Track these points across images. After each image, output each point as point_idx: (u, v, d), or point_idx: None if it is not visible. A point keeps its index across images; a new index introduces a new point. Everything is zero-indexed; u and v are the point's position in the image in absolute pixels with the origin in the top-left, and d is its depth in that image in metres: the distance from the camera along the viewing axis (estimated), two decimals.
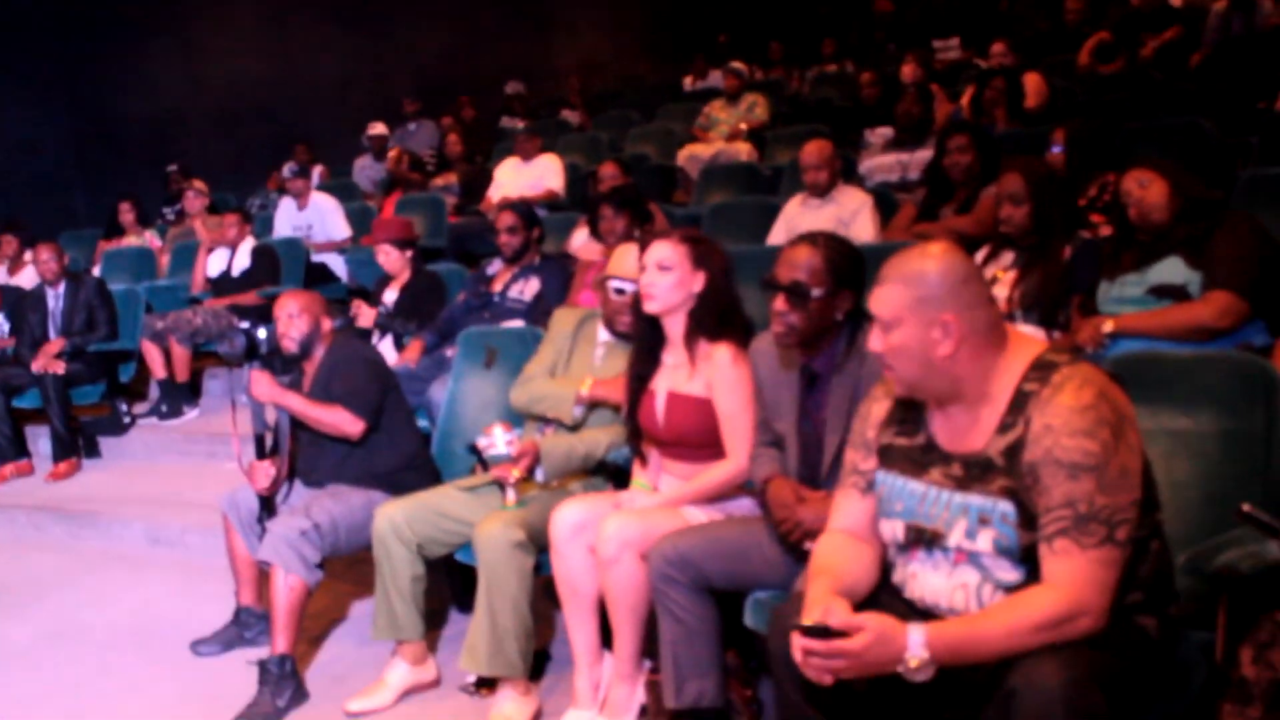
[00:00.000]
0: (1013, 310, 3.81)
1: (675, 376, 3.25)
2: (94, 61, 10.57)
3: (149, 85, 10.93)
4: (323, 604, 4.24)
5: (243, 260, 7.11)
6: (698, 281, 3.19)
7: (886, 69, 8.66)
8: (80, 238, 9.27)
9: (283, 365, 4.08)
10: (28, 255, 7.82)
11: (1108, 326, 3.46)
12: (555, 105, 12.16)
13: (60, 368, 6.17)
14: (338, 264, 7.79)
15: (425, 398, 4.76)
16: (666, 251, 3.19)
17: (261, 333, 4.01)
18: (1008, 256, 3.96)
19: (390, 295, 5.63)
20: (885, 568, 2.36)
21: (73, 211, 10.26)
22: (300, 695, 3.62)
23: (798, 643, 2.02)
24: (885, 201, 5.57)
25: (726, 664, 2.98)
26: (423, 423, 4.50)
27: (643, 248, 3.28)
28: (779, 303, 2.84)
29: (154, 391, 6.84)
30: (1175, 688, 2.25)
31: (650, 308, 3.21)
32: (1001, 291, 3.86)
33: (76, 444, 6.31)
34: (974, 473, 2.14)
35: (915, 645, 1.96)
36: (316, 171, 10.03)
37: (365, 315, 5.47)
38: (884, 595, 2.30)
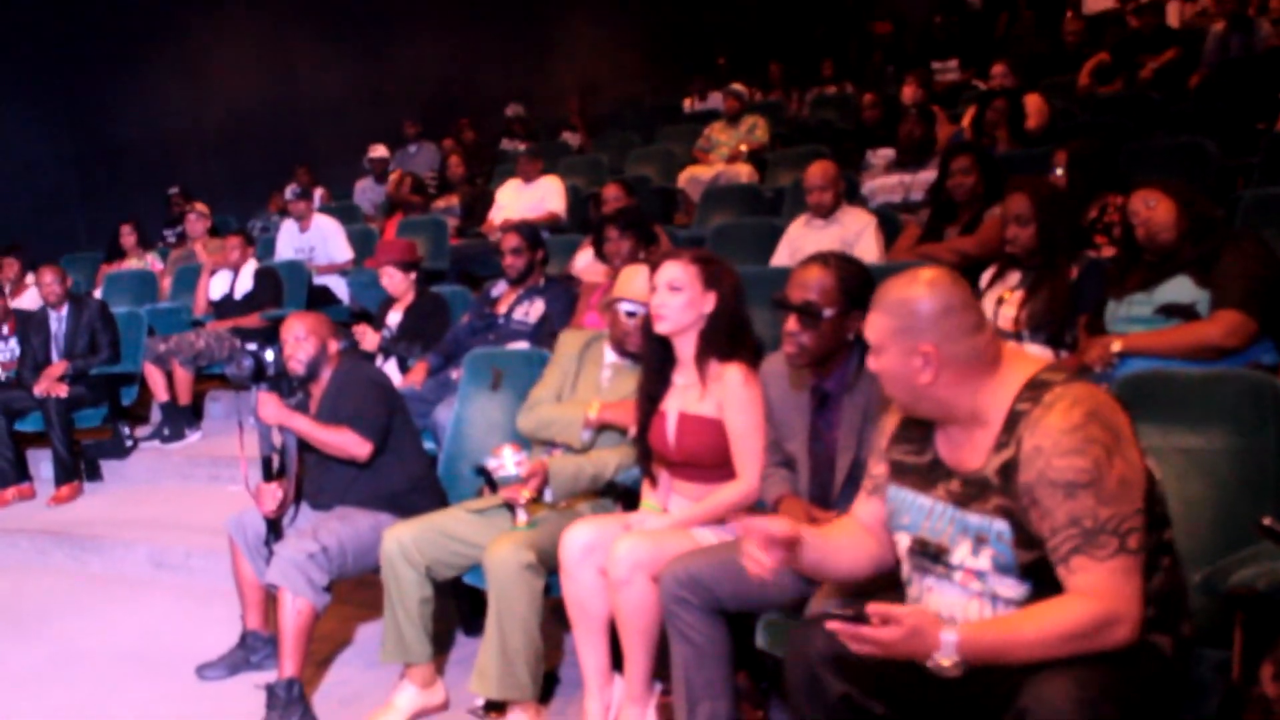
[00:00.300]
0: (1020, 330, 3.82)
1: (686, 397, 3.25)
2: (96, 84, 10.60)
3: (151, 108, 10.95)
4: (329, 627, 4.22)
5: (245, 283, 7.11)
6: (709, 302, 3.19)
7: (886, 90, 8.69)
8: (81, 260, 9.27)
9: (290, 387, 4.07)
10: (29, 278, 7.84)
11: (1116, 346, 3.46)
12: (555, 127, 12.19)
13: (63, 390, 6.16)
14: (340, 286, 7.79)
15: (430, 420, 4.76)
16: (678, 272, 3.19)
17: (269, 355, 4.00)
18: (1014, 277, 3.97)
19: (394, 317, 5.63)
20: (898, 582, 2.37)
21: (74, 234, 10.27)
22: (308, 719, 3.60)
23: (834, 625, 2.06)
24: (889, 222, 5.59)
25: (738, 686, 2.97)
26: (428, 445, 4.49)
27: (653, 268, 3.28)
28: (791, 323, 2.85)
29: (156, 414, 6.83)
30: (1189, 707, 2.26)
31: (661, 328, 3.22)
32: (1009, 311, 3.87)
33: (79, 467, 6.29)
34: (972, 491, 2.17)
35: (948, 646, 1.98)
36: (318, 194, 10.04)
37: (369, 339, 5.47)
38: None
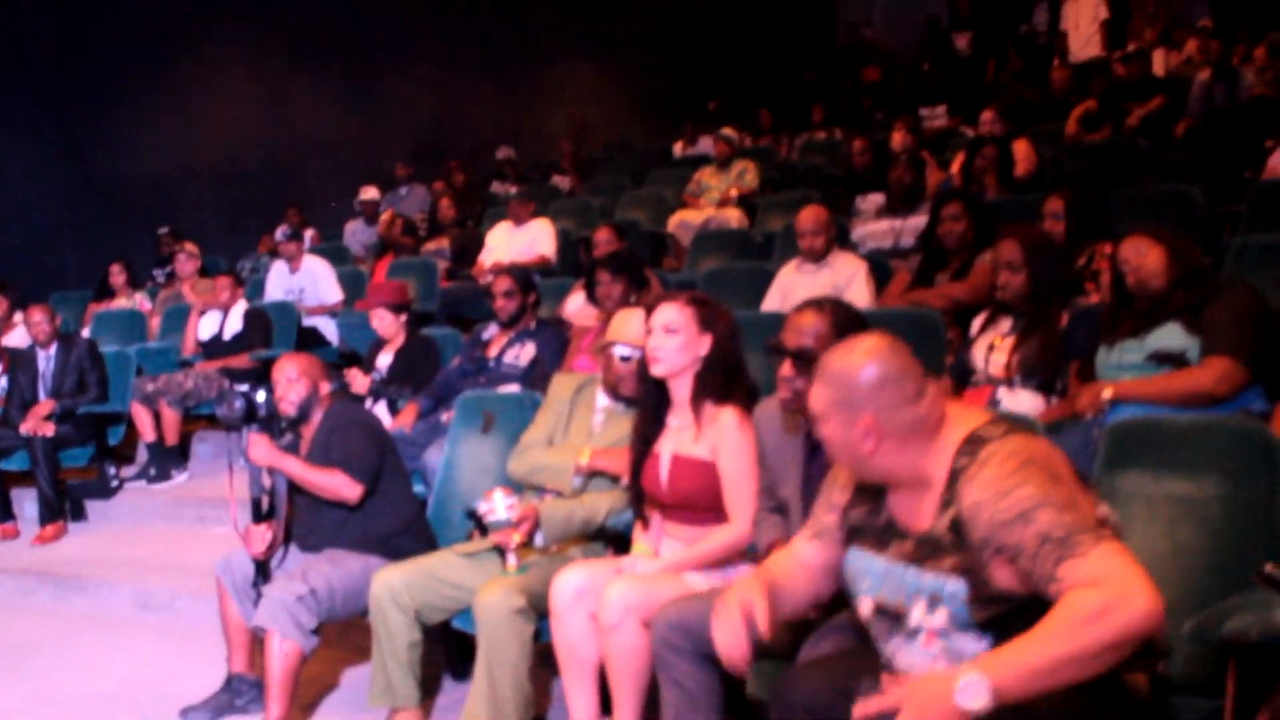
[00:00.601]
0: (1011, 376, 3.83)
1: (680, 439, 3.24)
2: (89, 121, 10.61)
3: (143, 146, 10.96)
4: (315, 671, 4.18)
5: (235, 324, 7.10)
6: (704, 344, 3.20)
7: (876, 136, 8.75)
8: (70, 299, 9.25)
9: (280, 429, 4.06)
10: (18, 316, 7.81)
11: (1108, 393, 3.46)
12: (546, 170, 12.24)
13: (50, 429, 6.13)
14: (329, 328, 7.79)
15: (420, 462, 4.75)
16: (673, 315, 3.19)
17: (260, 396, 4.00)
18: (1005, 323, 3.98)
19: (384, 359, 5.63)
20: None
21: (63, 272, 10.25)
22: None
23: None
24: (879, 268, 5.61)
25: None
26: (418, 487, 4.48)
27: (648, 311, 3.28)
28: (785, 368, 2.86)
29: (142, 455, 6.79)
30: None
31: (657, 371, 3.22)
32: (999, 358, 3.88)
33: (64, 507, 6.24)
34: (925, 550, 2.17)
35: (971, 687, 1.88)
36: (308, 235, 10.06)
37: (359, 382, 5.45)
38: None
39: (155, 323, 8.24)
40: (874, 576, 2.28)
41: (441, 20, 13.52)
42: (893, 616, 2.24)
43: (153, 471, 6.59)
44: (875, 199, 6.93)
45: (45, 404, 6.31)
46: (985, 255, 4.79)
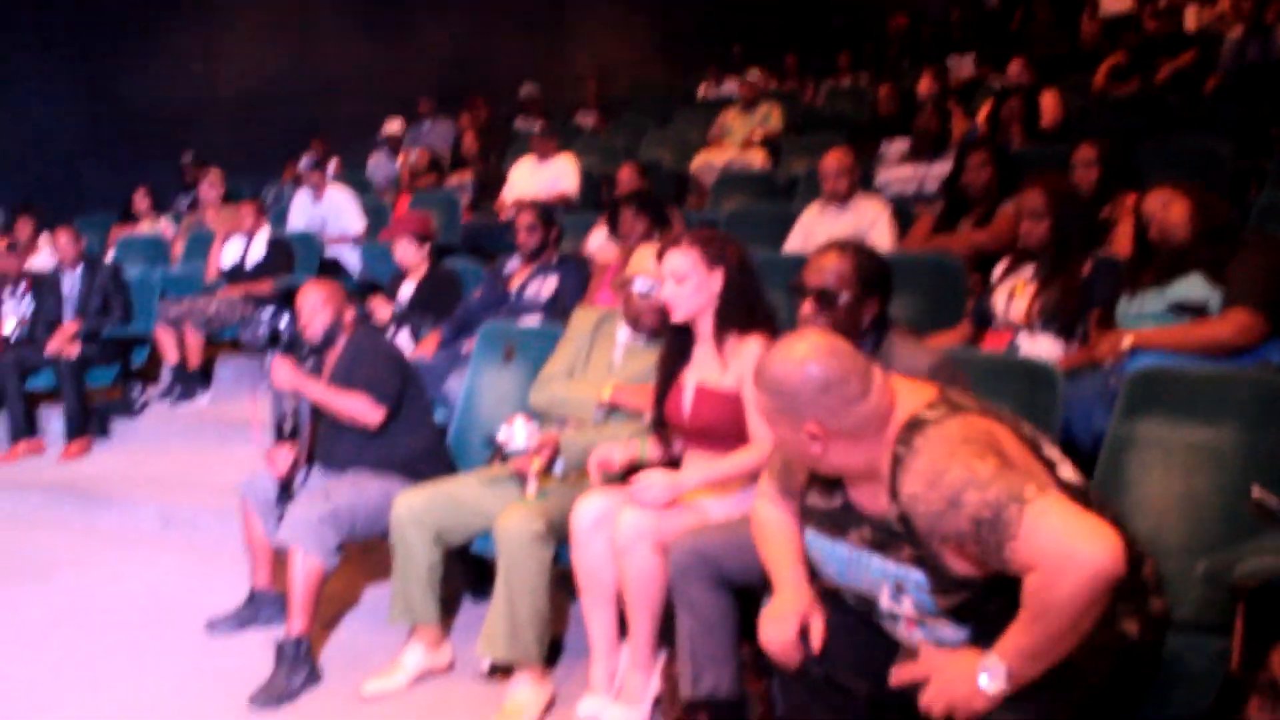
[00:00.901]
0: (1031, 322, 3.86)
1: (705, 370, 3.27)
2: (114, 48, 10.63)
3: (167, 74, 10.98)
4: (335, 589, 4.26)
5: (258, 251, 7.15)
6: (716, 279, 3.20)
7: (902, 84, 8.71)
8: (94, 223, 9.29)
9: (303, 354, 4.12)
10: (43, 238, 7.87)
11: (1127, 341, 3.49)
12: (570, 108, 12.21)
13: (75, 350, 6.22)
14: (351, 258, 7.83)
15: (441, 391, 4.80)
16: (679, 261, 3.20)
17: (283, 321, 4.06)
18: (1027, 270, 4.00)
19: (406, 290, 5.67)
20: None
21: (87, 196, 10.28)
22: (314, 677, 3.65)
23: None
24: (902, 213, 5.62)
25: (741, 657, 3.01)
26: (438, 415, 4.54)
27: (659, 257, 3.30)
28: (806, 307, 2.89)
29: (166, 376, 6.86)
30: (1186, 697, 2.31)
31: (677, 318, 3.24)
32: (1020, 304, 3.91)
33: (89, 425, 6.34)
34: (881, 537, 2.17)
35: (992, 669, 1.97)
36: (332, 165, 10.07)
37: (382, 311, 5.50)
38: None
39: (178, 248, 8.29)
40: (838, 562, 2.29)
41: None
42: (865, 601, 2.26)
43: (176, 393, 6.67)
44: (900, 145, 6.93)
45: (70, 325, 6.39)
46: (1008, 203, 4.82)
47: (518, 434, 3.52)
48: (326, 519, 3.66)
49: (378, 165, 10.36)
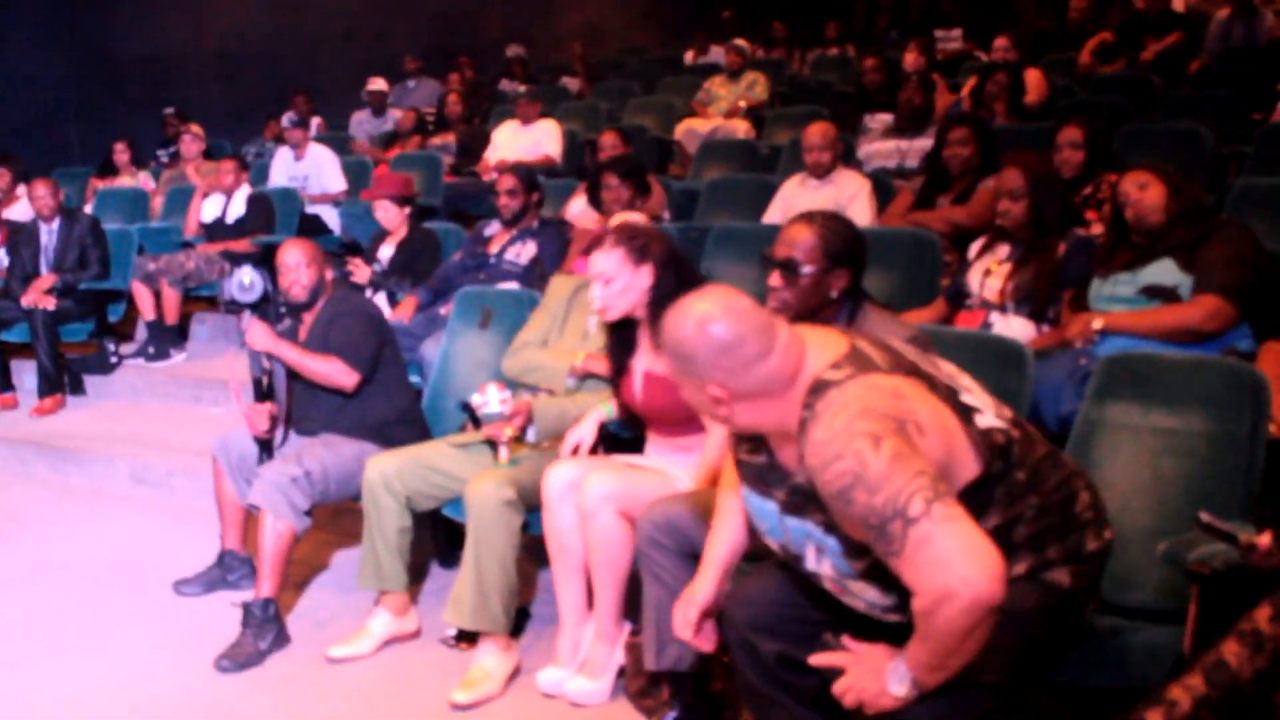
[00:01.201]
0: (1005, 302, 3.87)
1: (651, 357, 3.29)
2: None
3: (150, 26, 10.88)
4: (306, 552, 4.28)
5: (238, 208, 7.09)
6: (644, 275, 3.23)
7: (888, 55, 8.68)
8: (73, 175, 9.23)
9: (278, 314, 4.10)
10: (20, 189, 7.80)
11: (1097, 324, 3.51)
12: (555, 72, 12.15)
13: (51, 303, 6.18)
14: (332, 216, 7.78)
15: (417, 354, 4.79)
16: (605, 263, 3.22)
17: (258, 280, 4.04)
18: (1003, 250, 4.01)
19: (386, 251, 5.65)
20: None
21: (67, 148, 10.22)
22: (282, 639, 3.67)
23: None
24: (882, 187, 5.61)
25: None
26: (414, 379, 4.54)
27: (586, 253, 3.31)
28: (773, 278, 2.90)
29: (142, 333, 6.84)
30: (1140, 672, 2.40)
31: (610, 318, 3.29)
32: (994, 283, 3.92)
33: (62, 381, 6.32)
34: (798, 500, 2.15)
35: (897, 673, 2.01)
36: (315, 123, 10.00)
37: (361, 272, 5.48)
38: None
39: (158, 203, 8.24)
40: (770, 520, 2.26)
41: None
42: (795, 559, 2.24)
43: (151, 350, 6.64)
44: (883, 118, 6.90)
45: (47, 278, 6.35)
46: (988, 181, 4.81)
47: (491, 400, 3.51)
48: (298, 482, 3.66)
49: (361, 123, 10.30)
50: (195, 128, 8.76)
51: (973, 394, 2.16)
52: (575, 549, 3.24)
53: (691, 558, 2.94)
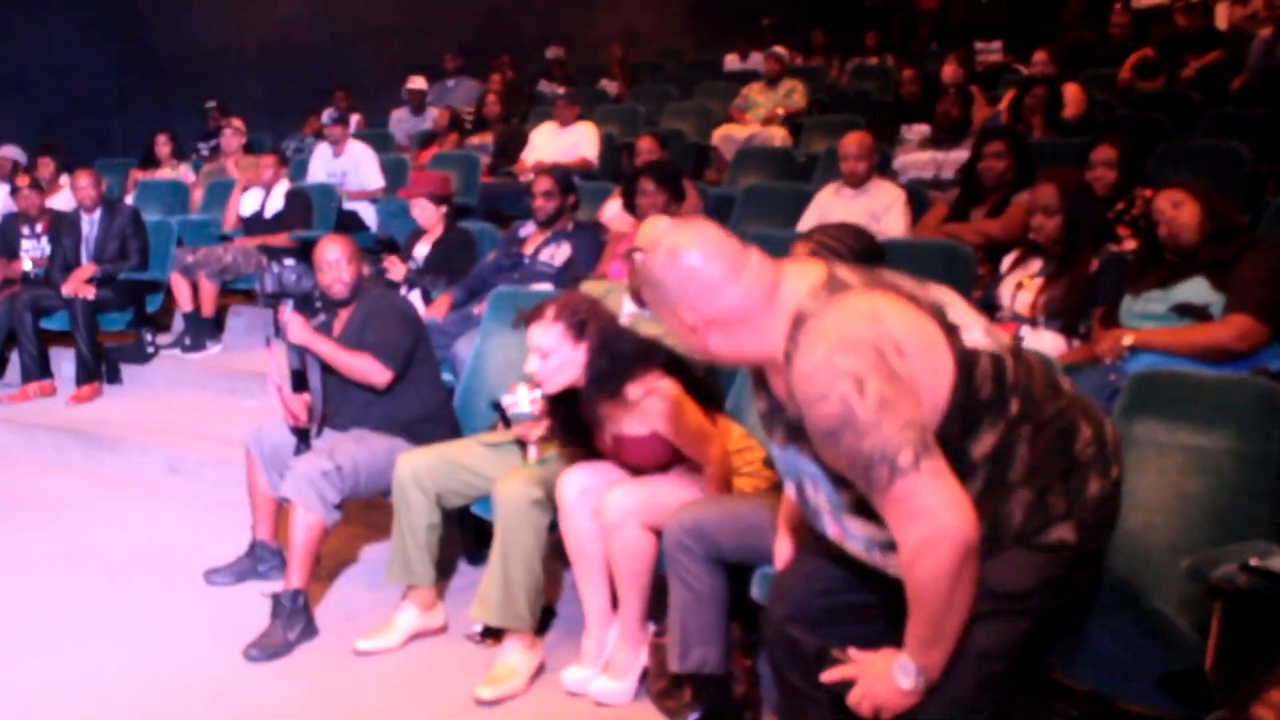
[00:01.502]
0: (1036, 316, 3.88)
1: (616, 420, 3.27)
2: None
3: (194, 20, 10.99)
4: (336, 545, 4.32)
5: (276, 202, 7.17)
6: (582, 352, 3.19)
7: (927, 67, 8.68)
8: (114, 166, 9.33)
9: (314, 309, 4.15)
10: (63, 179, 7.90)
11: (1128, 340, 3.52)
12: (594, 74, 12.18)
13: (90, 292, 6.26)
14: (369, 213, 7.86)
15: (450, 352, 4.83)
16: (543, 338, 3.19)
17: (299, 276, 4.09)
18: (1035, 264, 4.02)
19: (422, 249, 5.69)
20: None
21: (109, 139, 10.34)
22: (310, 631, 3.71)
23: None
24: (918, 198, 5.62)
25: (730, 635, 3.06)
26: (446, 376, 4.57)
27: (527, 324, 3.26)
28: None
29: (179, 324, 6.92)
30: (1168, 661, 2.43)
31: (549, 391, 3.26)
32: (1026, 297, 3.93)
33: (100, 369, 6.40)
34: (794, 432, 2.13)
35: (904, 669, 2.04)
36: (354, 119, 10.07)
37: (396, 269, 5.53)
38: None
39: (197, 195, 8.34)
40: (783, 462, 2.27)
41: None
42: (803, 499, 2.26)
43: (188, 341, 6.72)
44: (920, 129, 6.91)
45: (87, 267, 6.43)
46: (1023, 195, 4.82)
47: (521, 400, 3.55)
48: (329, 475, 3.70)
49: (400, 121, 10.37)
50: (236, 122, 8.86)
51: (961, 312, 2.11)
52: (595, 554, 3.27)
53: (719, 563, 2.97)
